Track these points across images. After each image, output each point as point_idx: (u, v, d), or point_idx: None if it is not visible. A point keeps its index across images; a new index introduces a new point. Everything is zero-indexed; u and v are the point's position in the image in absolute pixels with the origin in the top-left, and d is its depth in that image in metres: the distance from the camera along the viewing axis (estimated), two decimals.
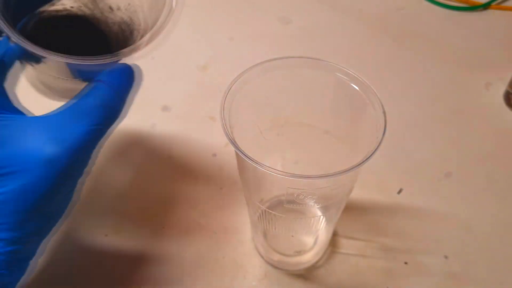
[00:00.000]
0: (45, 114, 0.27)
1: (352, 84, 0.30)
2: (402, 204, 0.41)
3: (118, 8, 0.29)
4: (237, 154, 0.27)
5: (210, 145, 0.45)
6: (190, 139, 0.45)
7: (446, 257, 0.38)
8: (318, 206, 0.31)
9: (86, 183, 0.41)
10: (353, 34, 0.57)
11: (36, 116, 0.27)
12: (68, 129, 0.26)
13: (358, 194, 0.41)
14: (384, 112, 0.28)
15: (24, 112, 0.28)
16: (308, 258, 0.37)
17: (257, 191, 0.32)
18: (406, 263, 0.37)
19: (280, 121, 0.35)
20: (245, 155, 0.26)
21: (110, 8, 0.29)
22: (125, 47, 0.27)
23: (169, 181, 0.42)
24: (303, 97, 0.34)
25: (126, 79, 0.29)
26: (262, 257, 0.37)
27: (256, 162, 0.25)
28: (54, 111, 0.27)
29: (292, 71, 0.31)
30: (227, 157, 0.44)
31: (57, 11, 0.29)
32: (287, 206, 0.30)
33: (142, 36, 0.27)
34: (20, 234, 0.25)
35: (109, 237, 0.38)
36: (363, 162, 0.25)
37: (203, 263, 0.37)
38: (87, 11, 0.29)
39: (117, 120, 0.28)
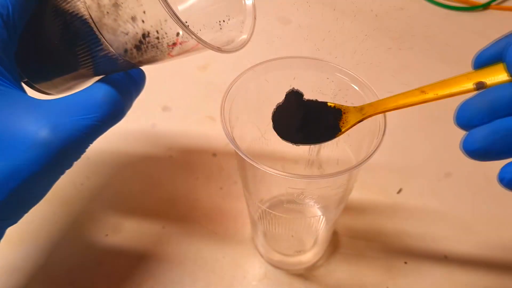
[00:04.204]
0: (49, 99, 0.26)
1: (352, 84, 0.30)
2: (402, 204, 0.41)
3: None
4: (237, 154, 0.27)
5: (210, 145, 0.45)
6: (190, 139, 0.45)
7: (446, 257, 0.38)
8: (318, 206, 0.31)
9: (86, 183, 0.42)
10: (353, 34, 0.57)
11: (39, 99, 0.25)
12: (70, 119, 0.25)
13: (358, 194, 0.41)
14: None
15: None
16: (308, 258, 0.37)
17: (257, 191, 0.32)
18: (406, 263, 0.37)
19: None
20: (245, 155, 0.26)
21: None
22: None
23: (169, 181, 0.42)
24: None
25: (140, 83, 0.28)
26: (262, 257, 0.37)
27: (256, 162, 0.25)
28: (59, 98, 0.26)
29: (292, 71, 0.31)
30: (227, 157, 0.44)
31: None
32: (287, 206, 0.30)
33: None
34: None
35: (109, 237, 0.38)
36: (363, 162, 0.25)
37: (203, 263, 0.37)
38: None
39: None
